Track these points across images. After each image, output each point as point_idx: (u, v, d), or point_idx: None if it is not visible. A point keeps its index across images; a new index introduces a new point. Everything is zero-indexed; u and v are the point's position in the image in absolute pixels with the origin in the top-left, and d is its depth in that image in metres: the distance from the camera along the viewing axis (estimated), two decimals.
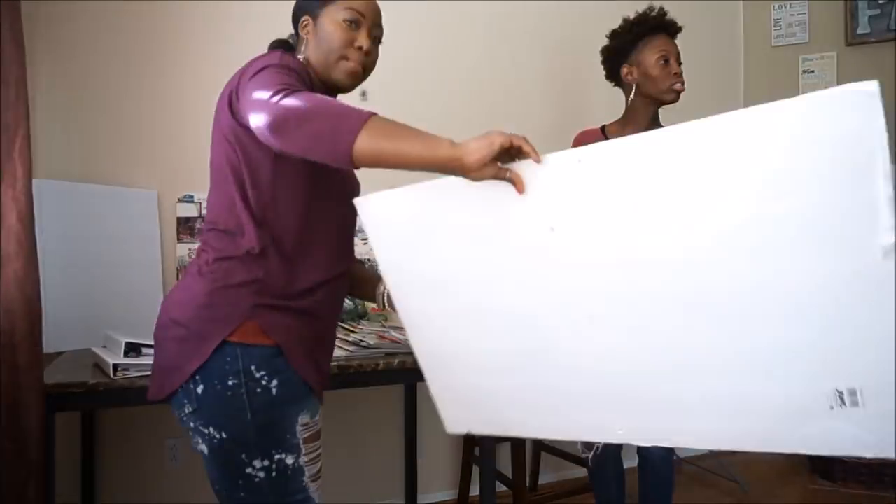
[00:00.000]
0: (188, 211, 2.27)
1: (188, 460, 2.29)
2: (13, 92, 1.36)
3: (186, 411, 1.09)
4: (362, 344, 1.86)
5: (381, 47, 2.49)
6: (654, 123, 1.93)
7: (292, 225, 1.12)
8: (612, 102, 2.08)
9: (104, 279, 2.06)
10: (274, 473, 1.08)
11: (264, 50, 2.51)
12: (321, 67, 1.23)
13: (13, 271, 1.34)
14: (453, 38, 2.75)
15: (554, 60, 2.94)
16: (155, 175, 2.26)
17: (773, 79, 3.33)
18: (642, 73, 1.85)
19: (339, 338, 2.05)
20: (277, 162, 1.09)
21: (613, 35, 1.93)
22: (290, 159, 1.03)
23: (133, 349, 1.53)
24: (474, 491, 2.62)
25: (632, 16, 1.91)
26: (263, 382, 1.07)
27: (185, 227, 2.27)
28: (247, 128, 1.03)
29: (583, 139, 1.95)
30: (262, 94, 0.97)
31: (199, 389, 1.06)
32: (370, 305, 2.52)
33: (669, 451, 1.89)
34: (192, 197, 2.28)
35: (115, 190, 2.15)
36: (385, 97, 2.62)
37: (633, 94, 1.89)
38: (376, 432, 2.58)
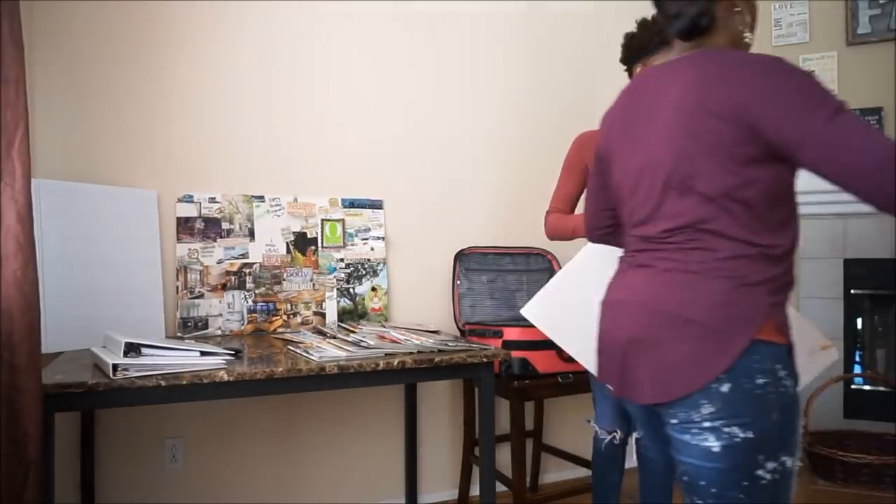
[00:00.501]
0: (188, 211, 2.27)
1: (188, 460, 2.29)
2: (12, 91, 1.36)
3: (703, 411, 1.06)
4: (362, 344, 1.86)
5: (381, 55, 2.55)
6: None
7: (795, 226, 1.14)
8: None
9: (104, 279, 2.06)
10: (778, 476, 1.07)
11: (265, 51, 2.52)
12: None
13: (12, 272, 1.34)
14: (453, 41, 2.75)
15: (555, 64, 2.94)
16: (155, 175, 2.26)
17: None
18: None
19: (338, 337, 2.05)
20: (792, 175, 1.10)
21: (644, 26, 1.85)
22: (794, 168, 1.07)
23: (133, 349, 1.53)
24: (474, 491, 2.62)
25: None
26: (785, 382, 1.06)
27: (185, 227, 2.27)
28: (771, 154, 1.04)
29: (583, 141, 2.00)
30: (860, 141, 0.96)
31: (725, 388, 1.04)
32: (370, 305, 2.52)
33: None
34: (191, 197, 2.28)
35: (115, 190, 2.15)
36: (388, 104, 2.63)
37: None
38: (376, 432, 2.58)
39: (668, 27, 1.21)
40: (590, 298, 1.75)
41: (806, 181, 3.33)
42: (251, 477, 2.38)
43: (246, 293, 2.32)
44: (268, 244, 2.37)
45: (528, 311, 1.79)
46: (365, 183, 2.58)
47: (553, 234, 2.01)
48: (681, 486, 1.15)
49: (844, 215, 3.12)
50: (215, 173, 2.34)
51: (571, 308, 1.78)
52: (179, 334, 2.22)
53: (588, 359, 1.81)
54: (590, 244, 1.79)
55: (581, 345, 1.78)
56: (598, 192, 1.38)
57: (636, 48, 1.85)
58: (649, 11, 1.99)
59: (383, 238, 2.57)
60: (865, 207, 2.61)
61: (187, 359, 1.59)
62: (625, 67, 1.96)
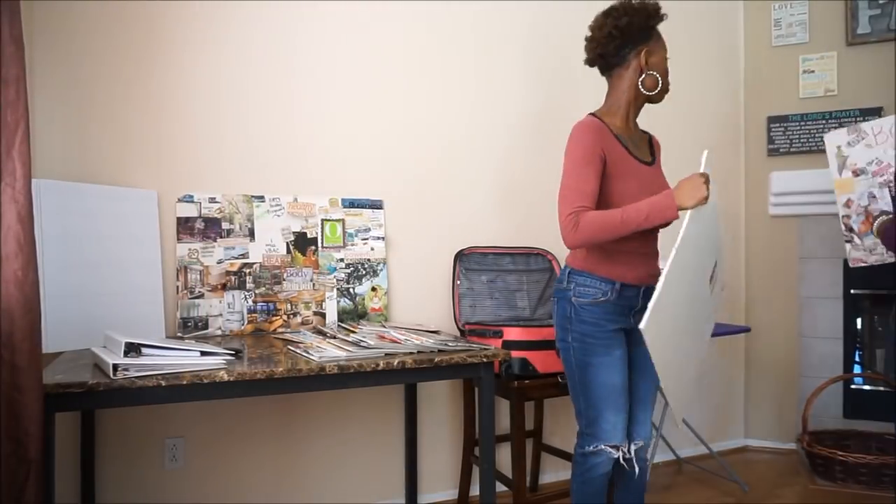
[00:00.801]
0: (188, 211, 2.27)
1: (188, 460, 2.29)
2: (13, 91, 1.36)
3: None
4: (362, 344, 1.86)
5: (381, 55, 2.55)
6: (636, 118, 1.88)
7: None
8: (598, 95, 2.05)
9: (104, 279, 2.06)
10: None
11: (266, 52, 2.53)
12: None
13: (13, 271, 1.34)
14: (454, 41, 2.75)
15: (555, 63, 2.94)
16: (155, 175, 2.26)
17: (773, 79, 3.33)
18: (653, 65, 1.78)
19: (338, 337, 2.05)
20: None
21: (638, 11, 1.77)
22: None
23: (133, 349, 1.53)
24: (474, 491, 2.62)
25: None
26: None
27: (185, 227, 2.27)
28: None
29: (596, 129, 1.75)
30: None
31: None
32: (370, 305, 2.52)
33: (643, 458, 1.89)
34: (191, 197, 2.28)
35: (115, 190, 2.15)
36: (388, 104, 2.63)
37: (639, 80, 1.79)
38: (376, 432, 2.58)
39: None
40: (687, 304, 1.65)
41: (806, 181, 3.33)
42: (251, 477, 2.38)
43: (246, 293, 2.32)
44: (268, 244, 2.37)
45: (646, 329, 1.49)
46: (365, 183, 2.58)
47: (601, 235, 1.65)
48: None
49: None
50: (215, 173, 2.34)
51: (676, 317, 1.61)
52: (179, 334, 2.22)
53: (674, 392, 1.65)
54: (691, 229, 1.59)
55: (674, 370, 1.63)
56: None
57: (635, 33, 1.77)
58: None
59: (383, 238, 2.57)
60: None
61: (187, 359, 1.59)
62: (600, 62, 1.84)
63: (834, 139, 2.70)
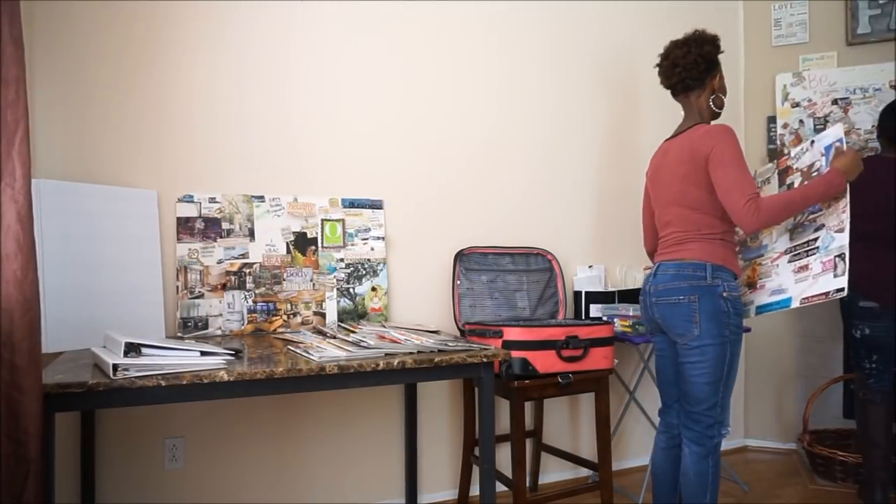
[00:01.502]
0: (188, 211, 2.27)
1: (188, 460, 2.29)
2: (12, 91, 1.36)
3: None
4: (362, 344, 1.86)
5: (381, 55, 2.54)
6: None
7: None
8: (661, 112, 2.07)
9: (104, 279, 2.06)
10: None
11: (267, 53, 2.53)
12: None
13: (12, 272, 1.34)
14: (454, 42, 2.75)
15: (555, 64, 2.94)
16: (155, 175, 2.26)
17: (773, 79, 3.33)
18: (720, 87, 2.03)
19: (338, 337, 2.05)
20: None
21: (713, 41, 2.00)
22: None
23: (133, 349, 1.53)
24: (474, 491, 2.62)
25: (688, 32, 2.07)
26: None
27: (185, 226, 2.27)
28: None
29: (734, 132, 1.95)
30: None
31: None
32: (370, 305, 2.52)
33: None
34: (191, 197, 2.28)
35: (115, 190, 2.15)
36: (388, 104, 2.63)
37: (710, 101, 2.02)
38: (376, 432, 2.58)
39: None
40: None
41: None
42: (251, 477, 2.38)
43: (246, 293, 2.32)
44: (268, 244, 2.37)
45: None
46: (365, 183, 2.58)
47: (782, 216, 1.81)
48: None
49: None
50: (215, 173, 2.35)
51: None
52: (179, 334, 2.22)
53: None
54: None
55: None
56: None
57: (713, 60, 1.99)
58: (653, 12, 1.99)
59: (383, 238, 2.57)
60: None
61: (187, 359, 1.59)
62: (681, 85, 2.03)
63: None
